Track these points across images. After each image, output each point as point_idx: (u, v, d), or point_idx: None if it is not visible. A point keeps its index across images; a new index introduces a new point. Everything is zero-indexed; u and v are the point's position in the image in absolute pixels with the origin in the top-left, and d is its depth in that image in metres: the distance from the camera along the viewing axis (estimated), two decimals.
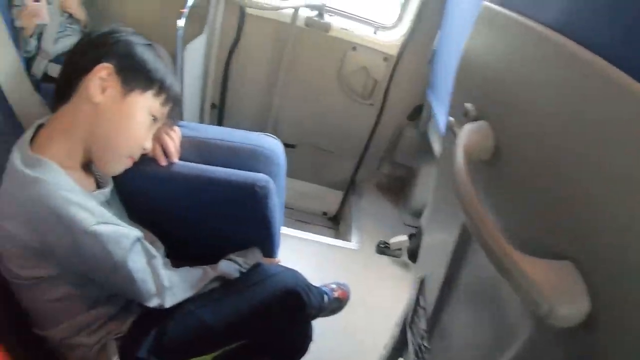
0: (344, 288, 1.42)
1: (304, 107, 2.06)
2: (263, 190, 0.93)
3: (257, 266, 0.97)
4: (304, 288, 0.92)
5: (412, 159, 2.19)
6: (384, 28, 1.94)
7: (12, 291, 0.76)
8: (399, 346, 1.02)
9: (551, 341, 0.40)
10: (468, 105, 0.56)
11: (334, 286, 1.39)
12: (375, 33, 1.91)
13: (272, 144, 1.05)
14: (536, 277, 0.35)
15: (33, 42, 1.78)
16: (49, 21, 1.74)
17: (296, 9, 1.77)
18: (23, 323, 0.80)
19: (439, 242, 0.78)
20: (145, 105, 0.82)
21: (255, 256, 1.01)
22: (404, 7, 1.89)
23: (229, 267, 0.94)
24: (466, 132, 0.51)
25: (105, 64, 0.78)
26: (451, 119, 0.62)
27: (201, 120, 1.86)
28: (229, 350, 0.88)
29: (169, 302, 0.84)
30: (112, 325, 0.82)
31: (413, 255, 1.84)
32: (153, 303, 0.81)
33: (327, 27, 1.84)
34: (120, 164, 0.85)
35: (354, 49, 1.91)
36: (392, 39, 1.91)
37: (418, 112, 2.05)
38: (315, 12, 1.84)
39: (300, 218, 2.29)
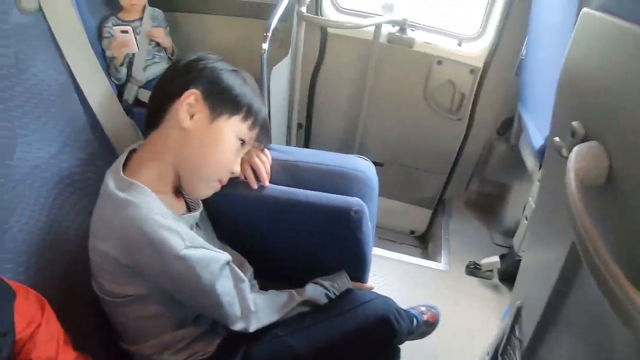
0: (434, 311, 1.35)
1: (390, 124, 2.02)
2: (358, 214, 0.91)
3: (348, 292, 0.95)
4: (396, 315, 0.88)
5: (503, 175, 2.07)
6: (468, 39, 1.87)
7: (103, 306, 0.80)
8: None
9: None
10: (575, 124, 0.50)
11: (423, 309, 1.34)
12: (459, 45, 1.84)
13: (364, 166, 1.03)
14: None
15: (123, 70, 1.92)
16: (137, 50, 1.89)
17: (378, 26, 1.75)
18: (111, 337, 0.83)
19: (540, 265, 0.71)
20: (232, 129, 0.84)
21: (343, 280, 0.99)
22: (487, 16, 1.81)
23: (315, 291, 0.93)
24: (577, 156, 0.46)
25: (193, 90, 0.81)
26: (556, 139, 0.56)
27: (288, 141, 1.91)
28: None
29: (253, 327, 0.84)
30: (198, 345, 0.83)
31: (504, 276, 1.76)
32: (238, 327, 0.82)
33: (410, 43, 1.80)
34: (209, 188, 0.86)
35: (439, 62, 1.85)
36: (477, 50, 1.83)
37: (508, 126, 1.94)
38: (397, 28, 1.81)
39: (388, 237, 2.24)
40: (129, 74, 1.95)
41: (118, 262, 0.72)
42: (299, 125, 2.01)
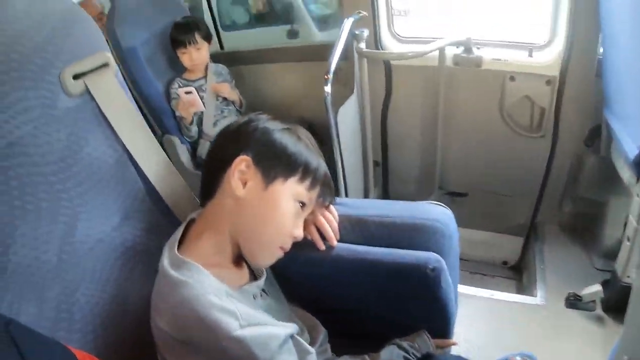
0: None
1: (469, 151, 1.91)
2: (435, 272, 0.82)
3: (429, 358, 0.85)
4: None
5: (598, 191, 1.84)
6: (539, 48, 1.73)
7: None
8: None
9: None
10: None
11: (518, 359, 1.22)
12: (530, 56, 1.71)
13: (440, 215, 0.93)
14: None
15: (194, 128, 1.99)
16: (204, 109, 1.97)
17: (442, 50, 1.68)
18: None
19: None
20: (289, 193, 0.78)
21: (423, 340, 0.89)
22: (555, 18, 1.67)
23: (392, 355, 0.84)
24: None
25: (243, 156, 0.76)
26: None
27: (366, 181, 1.84)
28: None
29: None
30: None
31: (609, 306, 1.56)
32: None
33: (478, 62, 1.72)
34: (270, 256, 0.81)
35: (512, 78, 1.73)
36: (550, 57, 1.69)
37: (596, 135, 1.74)
38: (462, 49, 1.73)
39: (477, 270, 2.08)
40: (200, 131, 2.03)
41: (175, 338, 0.68)
42: (376, 164, 1.94)
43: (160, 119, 2.06)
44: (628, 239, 1.40)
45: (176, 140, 2.05)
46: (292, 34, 2.74)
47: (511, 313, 1.59)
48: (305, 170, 0.79)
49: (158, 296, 0.72)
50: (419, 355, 0.86)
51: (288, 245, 0.81)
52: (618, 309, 1.33)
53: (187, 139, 2.04)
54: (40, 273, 0.70)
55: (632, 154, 1.19)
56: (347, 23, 1.63)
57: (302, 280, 0.92)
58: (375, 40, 1.81)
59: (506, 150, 1.86)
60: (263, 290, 0.84)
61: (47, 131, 0.72)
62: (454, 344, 0.96)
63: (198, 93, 1.93)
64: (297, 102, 2.16)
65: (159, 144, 0.92)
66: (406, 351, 0.85)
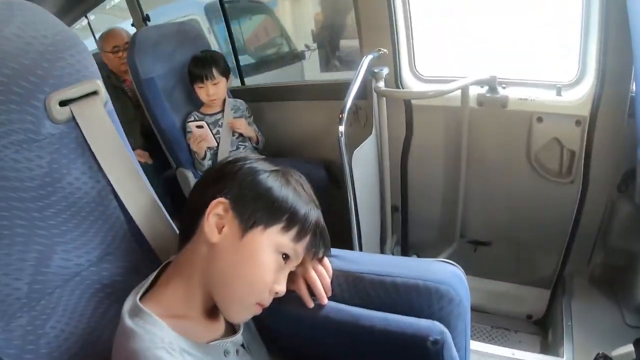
0: None
1: (493, 196, 1.81)
2: (437, 345, 0.72)
3: None
4: None
5: (632, 241, 1.71)
6: (568, 86, 1.63)
7: None
8: None
9: None
10: None
11: None
12: (559, 95, 1.61)
13: (449, 276, 0.81)
14: None
15: (207, 163, 1.96)
16: (215, 144, 1.95)
17: (465, 89, 1.61)
18: None
19: None
20: (270, 243, 0.70)
21: None
22: (583, 54, 1.57)
23: None
24: None
25: (220, 199, 0.70)
26: None
27: (384, 227, 1.75)
28: None
29: None
30: None
31: None
32: None
33: (503, 102, 1.63)
34: (245, 312, 0.73)
35: (539, 119, 1.64)
36: (580, 96, 1.59)
37: (630, 180, 1.62)
38: (487, 88, 1.66)
39: (500, 324, 1.93)
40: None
41: None
42: (394, 209, 1.86)
43: (175, 152, 2.05)
44: None
45: (189, 174, 2.03)
46: None
47: None
48: (290, 218, 0.71)
49: (114, 343, 0.66)
50: None
51: (267, 302, 0.73)
52: None
53: (201, 173, 2.01)
54: (9, 300, 0.69)
55: None
56: (366, 60, 1.58)
57: (287, 337, 0.85)
58: (396, 79, 1.76)
59: (533, 197, 1.76)
60: (243, 345, 0.76)
61: (29, 157, 0.72)
62: None
63: (214, 128, 1.90)
64: (316, 141, 2.13)
65: (145, 180, 0.88)
66: None
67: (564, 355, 1.53)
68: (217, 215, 0.70)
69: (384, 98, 1.56)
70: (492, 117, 1.67)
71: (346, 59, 2.47)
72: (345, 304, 0.81)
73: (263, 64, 3.10)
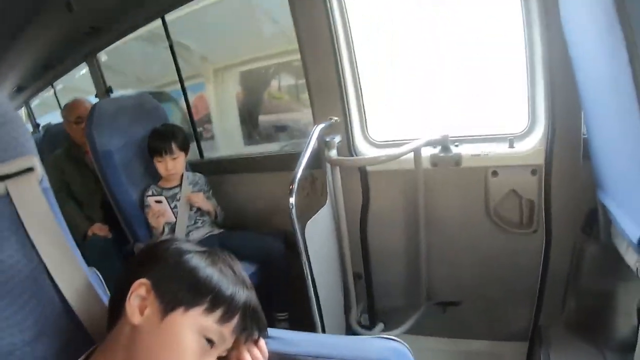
0: None
1: (457, 255, 1.79)
2: None
3: None
4: None
5: (603, 281, 1.68)
6: (520, 137, 1.65)
7: None
8: None
9: None
10: None
11: None
12: (511, 146, 1.63)
13: (389, 354, 0.81)
14: None
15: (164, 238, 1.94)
16: (174, 220, 1.91)
17: (417, 151, 1.61)
18: None
19: None
20: (192, 325, 0.67)
21: None
22: (532, 104, 1.59)
23: None
24: None
25: (142, 280, 0.69)
26: None
27: (346, 296, 1.71)
28: None
29: None
30: None
31: None
32: None
33: (457, 160, 1.64)
34: None
35: (494, 173, 1.64)
36: (532, 145, 1.61)
37: (593, 221, 1.62)
38: (439, 147, 1.66)
39: None
40: None
41: None
42: (357, 276, 1.82)
43: (133, 227, 2.01)
44: None
45: None
46: None
47: None
48: (215, 299, 0.69)
49: None
50: None
51: None
52: None
53: None
54: None
55: (635, 235, 1.07)
56: (317, 130, 1.58)
57: None
58: (349, 146, 1.76)
59: (497, 251, 1.74)
60: None
61: None
62: None
63: (172, 202, 1.87)
64: (274, 212, 2.10)
65: (79, 260, 0.86)
66: None
67: None
68: (139, 297, 0.69)
69: (337, 167, 1.55)
70: (447, 176, 1.67)
71: (264, 132, 2.60)
72: None
73: None
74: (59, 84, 4.04)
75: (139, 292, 0.69)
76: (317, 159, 1.59)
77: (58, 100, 4.10)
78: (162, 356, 0.67)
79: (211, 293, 0.69)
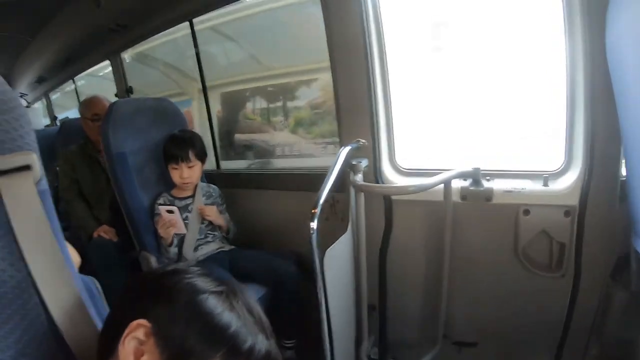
0: None
1: (478, 293, 1.71)
2: None
3: None
4: None
5: (629, 330, 1.58)
6: (555, 175, 1.57)
7: None
8: None
9: None
10: None
11: None
12: (545, 185, 1.55)
13: None
14: None
15: (173, 250, 1.83)
16: (185, 231, 1.82)
17: (447, 183, 1.52)
18: None
19: None
20: None
21: None
22: (570, 141, 1.52)
23: None
24: None
25: (142, 321, 0.58)
26: None
27: (358, 327, 1.63)
28: None
29: None
30: None
31: None
32: None
33: (488, 195, 1.55)
34: None
35: (526, 212, 1.56)
36: (567, 185, 1.53)
37: (624, 267, 1.52)
38: (470, 181, 1.58)
39: None
40: (180, 254, 1.88)
41: None
42: (372, 308, 1.73)
43: (140, 234, 1.92)
44: None
45: (153, 259, 1.89)
46: None
47: None
48: (230, 353, 0.58)
49: None
50: None
51: None
52: None
53: (166, 260, 1.88)
54: None
55: None
56: (343, 152, 1.51)
57: None
58: (375, 172, 1.68)
59: (521, 292, 1.65)
60: None
61: None
62: None
63: (183, 213, 1.79)
64: (288, 232, 2.01)
65: (74, 275, 0.76)
66: None
67: None
68: (135, 339, 0.57)
69: (362, 192, 1.47)
70: (476, 210, 1.58)
71: (238, 150, 2.73)
72: None
73: None
74: (82, 80, 4.03)
75: (137, 335, 0.58)
76: (337, 182, 1.51)
77: (78, 96, 4.08)
78: None
79: (227, 345, 0.58)
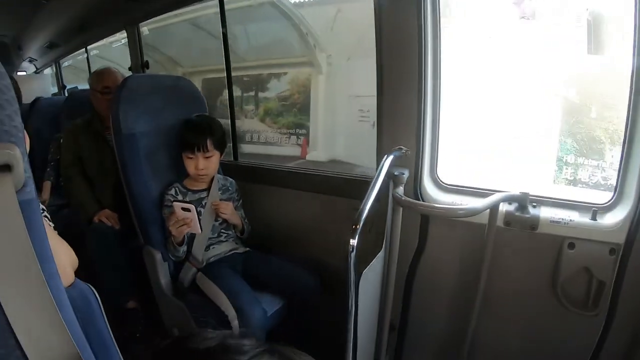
0: None
1: (507, 324, 1.60)
2: None
3: None
4: None
5: None
6: (603, 209, 1.45)
7: None
8: None
9: None
10: None
11: None
12: (594, 218, 1.43)
13: None
14: None
15: (182, 249, 1.68)
16: (200, 232, 1.63)
17: (494, 208, 1.40)
18: None
19: None
20: None
21: None
22: (622, 176, 1.41)
23: None
24: None
25: None
26: None
27: (378, 344, 1.50)
28: None
29: None
30: None
31: None
32: None
33: (534, 223, 1.44)
34: None
35: (571, 245, 1.44)
36: (615, 221, 1.41)
37: None
38: (516, 205, 1.46)
39: None
40: (189, 253, 1.71)
41: None
42: (392, 327, 1.61)
43: (146, 226, 1.75)
44: None
45: (158, 256, 1.72)
46: None
47: None
48: None
49: None
50: None
51: None
52: None
53: (172, 258, 1.71)
54: None
55: None
56: (387, 161, 1.37)
57: None
58: (415, 185, 1.55)
59: (552, 327, 1.56)
60: None
61: None
62: None
63: (196, 208, 1.62)
64: (309, 238, 1.89)
65: (56, 303, 0.57)
66: None
67: None
68: None
69: (401, 208, 1.34)
70: (518, 238, 1.47)
71: None
72: None
73: None
74: (95, 50, 3.85)
75: None
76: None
77: (89, 67, 3.89)
78: None
79: None
